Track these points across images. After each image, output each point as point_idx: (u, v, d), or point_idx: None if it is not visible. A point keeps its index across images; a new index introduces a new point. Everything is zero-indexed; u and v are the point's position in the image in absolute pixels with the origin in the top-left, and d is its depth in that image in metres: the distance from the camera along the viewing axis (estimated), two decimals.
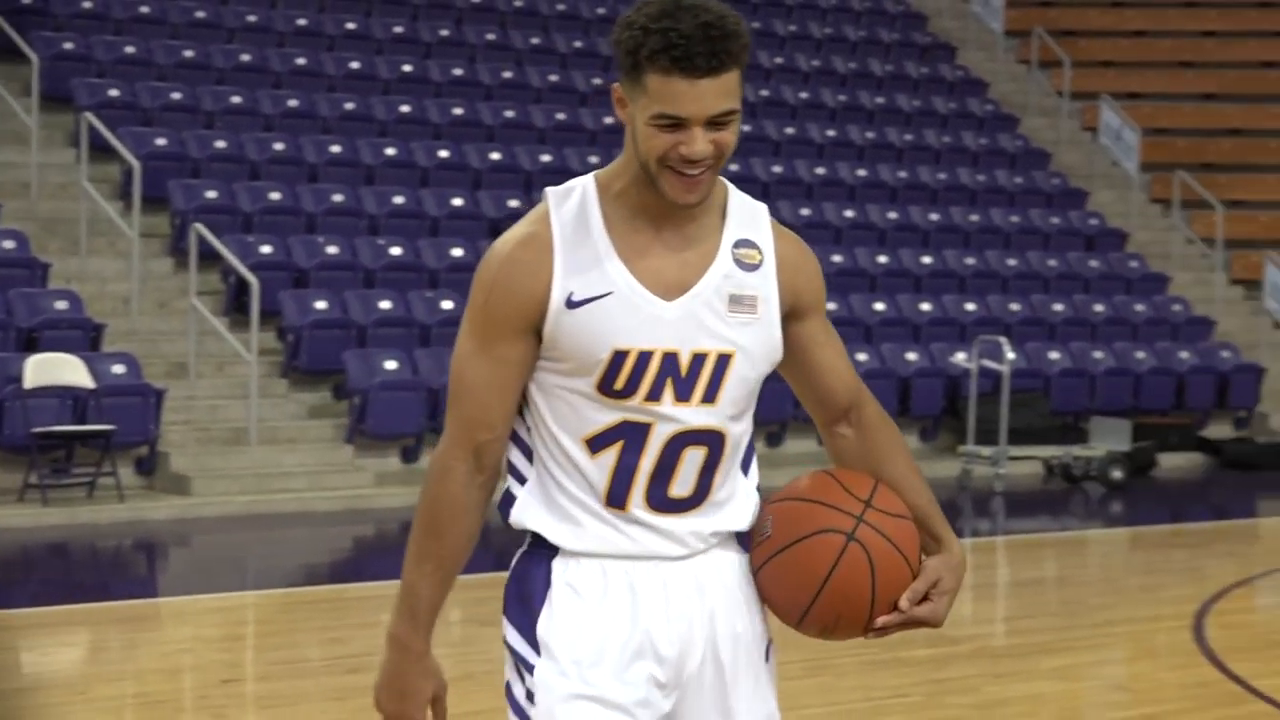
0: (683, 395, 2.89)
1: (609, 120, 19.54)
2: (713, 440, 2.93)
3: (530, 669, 2.95)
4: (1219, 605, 10.71)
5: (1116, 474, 16.93)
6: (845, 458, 3.16)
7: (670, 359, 2.88)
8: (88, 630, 9.93)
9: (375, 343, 15.69)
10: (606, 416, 2.90)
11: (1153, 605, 10.60)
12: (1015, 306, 19.29)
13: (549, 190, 2.99)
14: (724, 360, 2.91)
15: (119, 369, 14.19)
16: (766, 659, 3.07)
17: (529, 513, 3.00)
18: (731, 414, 2.95)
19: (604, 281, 2.90)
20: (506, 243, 2.95)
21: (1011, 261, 20.29)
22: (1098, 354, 18.93)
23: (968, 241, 20.35)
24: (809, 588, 2.92)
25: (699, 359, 2.89)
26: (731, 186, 3.09)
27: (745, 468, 3.08)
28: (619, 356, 2.86)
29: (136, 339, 15.15)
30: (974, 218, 20.84)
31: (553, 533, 2.95)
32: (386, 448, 15.35)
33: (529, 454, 3.02)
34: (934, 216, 20.55)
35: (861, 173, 20.91)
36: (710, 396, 2.91)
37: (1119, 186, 23.14)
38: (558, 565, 2.96)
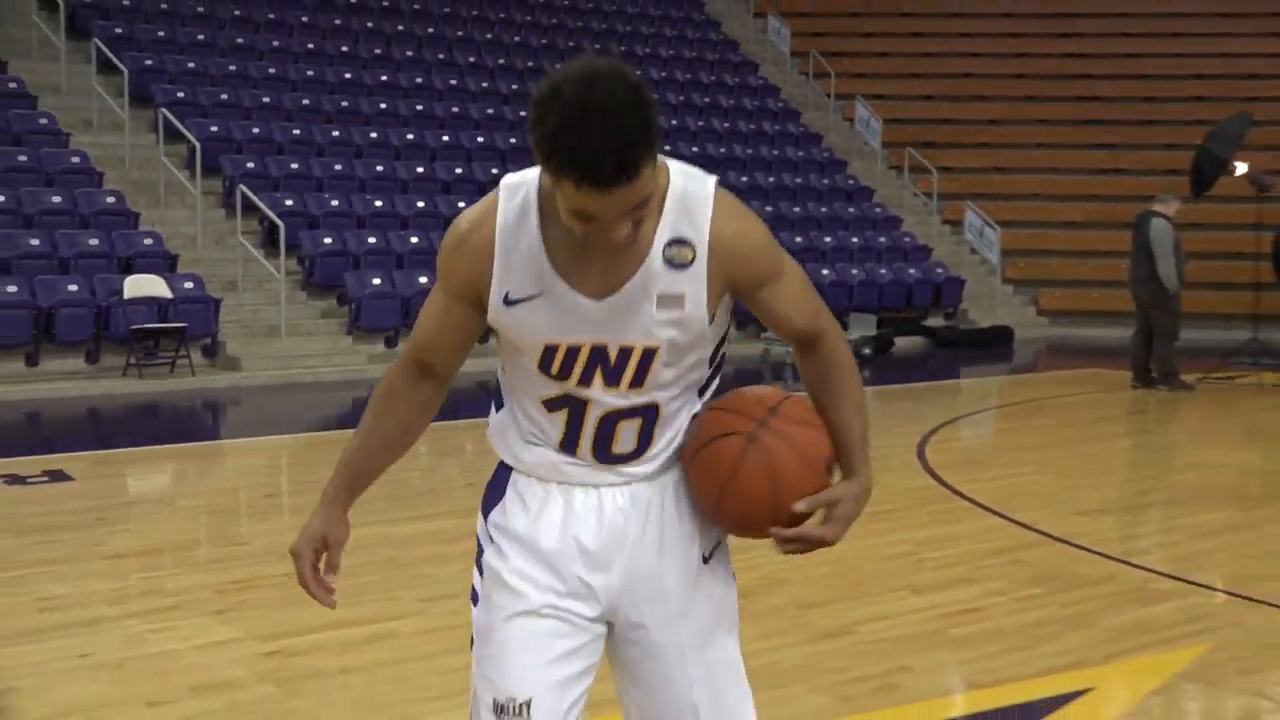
0: (611, 381, 2.48)
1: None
2: (647, 411, 2.53)
3: (481, 553, 2.64)
4: (934, 437, 10.87)
5: (866, 350, 17.13)
6: (806, 382, 2.71)
7: (598, 350, 2.46)
8: (172, 463, 9.88)
9: (366, 266, 15.68)
10: (552, 388, 2.51)
11: (889, 438, 10.73)
12: (799, 239, 19.40)
13: (503, 182, 2.52)
14: (650, 353, 2.46)
15: (189, 285, 14.11)
16: (707, 559, 2.64)
17: (496, 436, 2.67)
18: (663, 390, 2.52)
19: (536, 283, 2.46)
20: (460, 227, 2.53)
21: (796, 209, 20.42)
22: (854, 271, 19.11)
23: (767, 197, 20.42)
24: (715, 486, 2.50)
25: (625, 351, 2.45)
26: (675, 173, 2.49)
27: (700, 397, 2.63)
28: (550, 349, 2.46)
29: (200, 265, 15.05)
30: (771, 179, 20.90)
31: (510, 457, 2.63)
32: (375, 337, 15.35)
33: (505, 390, 2.65)
34: (744, 179, 20.59)
35: (695, 149, 20.97)
36: (638, 382, 2.48)
37: (868, 159, 23.27)
38: (514, 478, 2.62)
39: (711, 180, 2.50)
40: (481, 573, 2.63)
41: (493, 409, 2.69)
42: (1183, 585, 6.56)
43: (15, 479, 8.87)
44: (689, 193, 2.45)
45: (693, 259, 2.42)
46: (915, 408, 12.85)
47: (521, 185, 2.48)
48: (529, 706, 2.50)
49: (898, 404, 13.31)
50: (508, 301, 2.48)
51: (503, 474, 2.65)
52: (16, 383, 12.95)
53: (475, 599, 2.64)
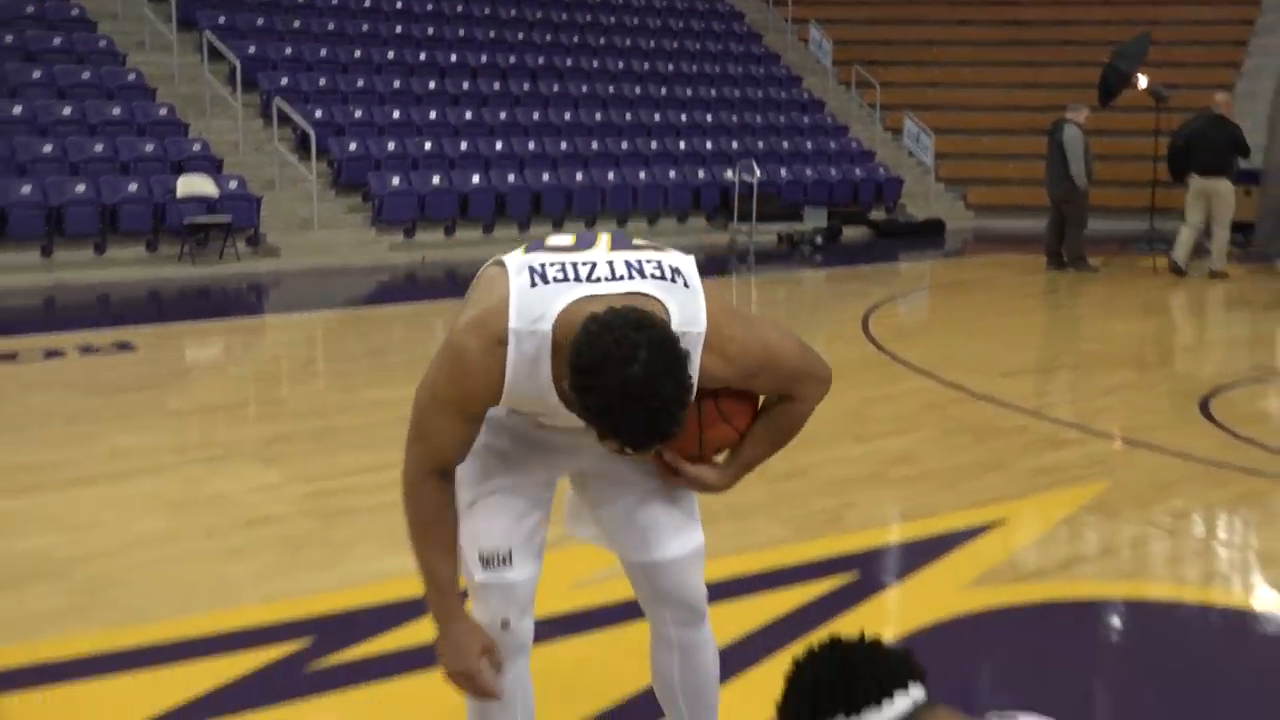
0: None
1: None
2: None
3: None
4: (876, 312, 10.88)
5: (818, 240, 17.08)
6: (764, 402, 2.50)
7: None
8: (222, 336, 9.86)
9: (386, 168, 15.48)
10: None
11: (838, 313, 10.76)
12: (761, 144, 19.22)
13: (512, 328, 2.21)
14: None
15: (233, 185, 13.94)
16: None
17: None
18: None
19: (543, 409, 2.33)
20: (469, 360, 2.25)
21: (759, 119, 20.20)
22: (808, 172, 18.93)
23: (733, 107, 20.19)
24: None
25: None
26: (675, 319, 2.25)
27: None
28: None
29: (243, 167, 14.84)
30: (737, 93, 20.63)
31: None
32: (394, 229, 15.20)
33: None
34: (713, 93, 20.35)
35: (670, 67, 20.71)
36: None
37: (820, 75, 22.93)
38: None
39: (702, 314, 2.28)
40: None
41: None
42: (1086, 434, 6.62)
43: (88, 349, 8.86)
44: (684, 339, 2.20)
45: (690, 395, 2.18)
46: (860, 287, 12.84)
47: (533, 337, 2.22)
48: (510, 555, 2.52)
49: (845, 284, 13.31)
50: (512, 412, 2.42)
51: None
52: (87, 269, 12.92)
53: None
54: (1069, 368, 8.67)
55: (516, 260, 2.32)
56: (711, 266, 2.99)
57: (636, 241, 2.42)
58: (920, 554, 4.80)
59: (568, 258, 2.30)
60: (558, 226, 16.25)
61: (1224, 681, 3.78)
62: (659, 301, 2.25)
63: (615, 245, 2.36)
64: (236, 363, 8.83)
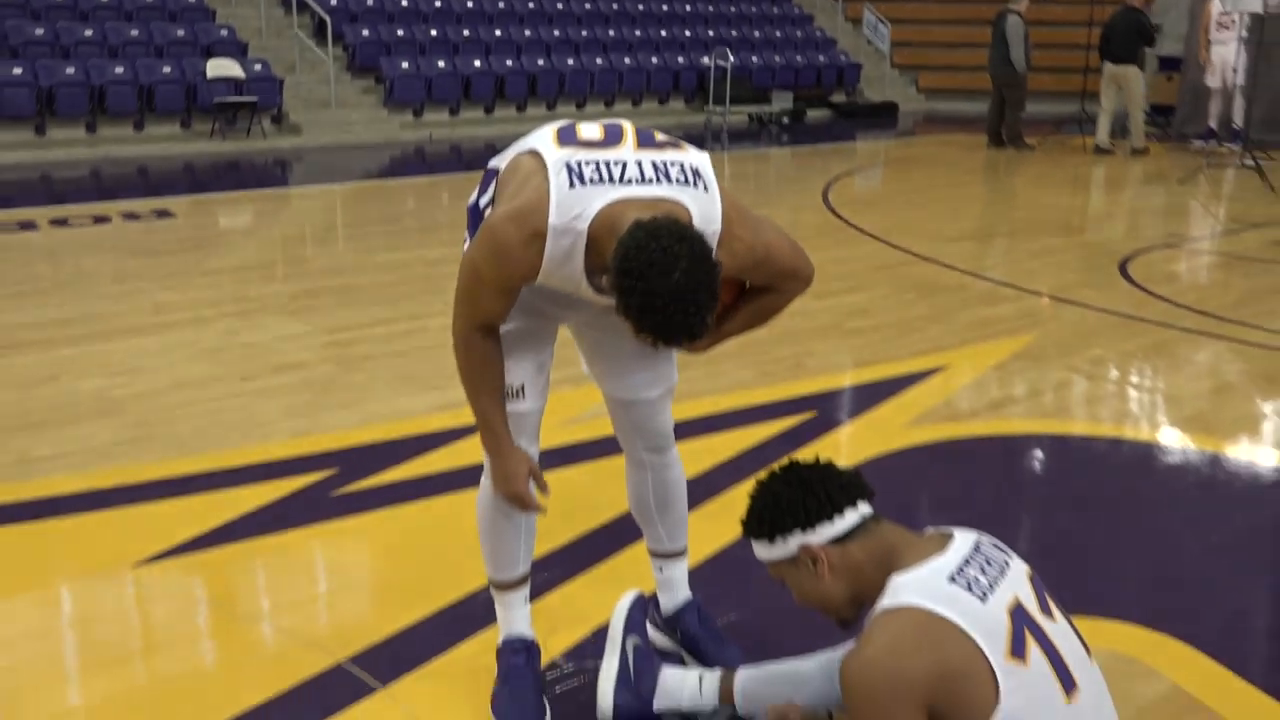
0: None
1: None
2: None
3: None
4: (835, 184, 10.82)
5: (784, 120, 16.88)
6: (752, 285, 2.47)
7: None
8: (252, 204, 9.75)
9: (396, 52, 15.16)
10: None
11: (802, 184, 10.68)
12: (734, 33, 18.87)
13: (551, 224, 2.18)
14: None
15: (258, 67, 13.66)
16: None
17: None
18: None
19: (574, 289, 2.30)
20: (509, 246, 2.21)
21: (732, 9, 19.77)
22: (776, 58, 18.58)
23: (710, 2, 19.80)
24: None
25: None
26: (695, 215, 2.23)
27: None
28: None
29: (266, 51, 14.53)
30: (717, 7, 20.21)
31: None
32: (404, 109, 14.94)
33: None
34: (699, 5, 19.95)
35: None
36: None
37: None
38: None
39: (718, 216, 2.26)
40: None
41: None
42: (1018, 292, 6.63)
43: (131, 216, 8.76)
44: (705, 229, 2.22)
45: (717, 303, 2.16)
46: (821, 163, 12.73)
47: (570, 233, 2.19)
48: (523, 389, 2.54)
49: (808, 160, 13.19)
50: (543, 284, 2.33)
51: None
52: (127, 144, 12.71)
53: None
54: (1004, 234, 8.65)
55: (554, 155, 2.24)
56: (690, 143, 2.97)
57: (659, 138, 2.35)
58: (870, 396, 4.84)
59: (600, 155, 2.23)
60: (550, 109, 16.01)
61: (1132, 504, 3.85)
62: (683, 206, 2.22)
63: (641, 144, 2.30)
64: (265, 228, 8.74)
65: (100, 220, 8.57)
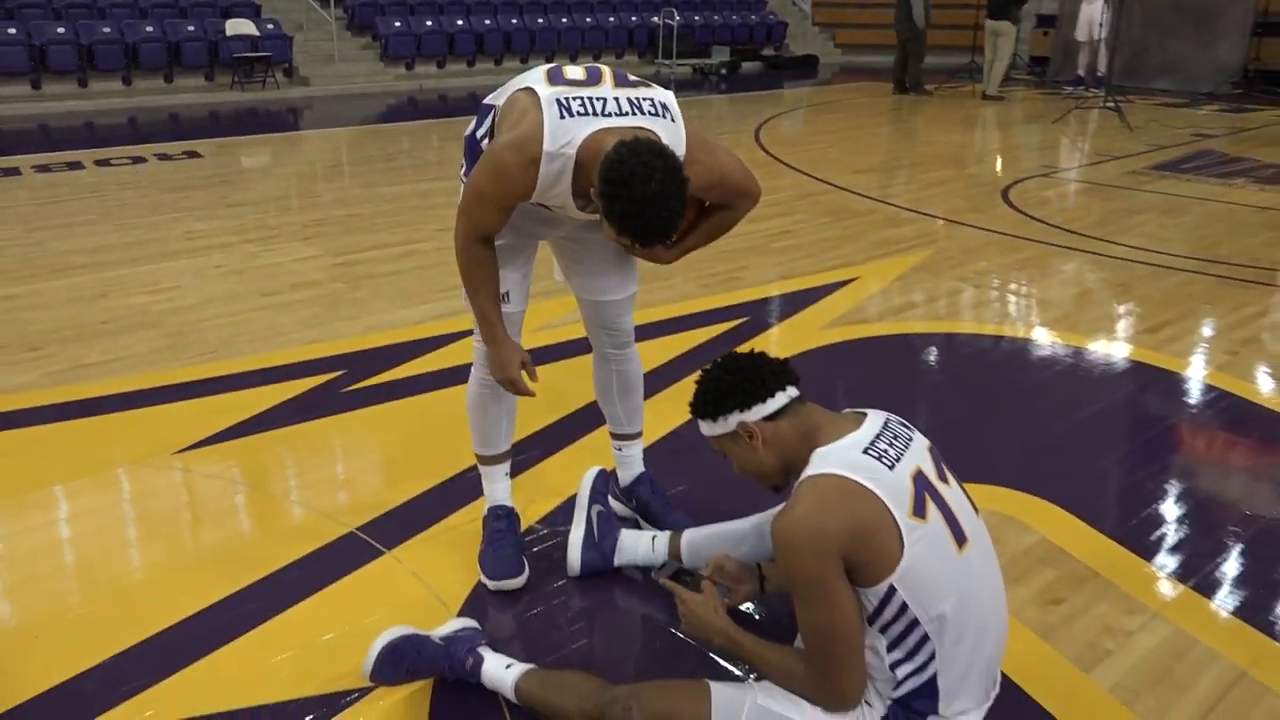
0: None
1: None
2: None
3: None
4: (765, 125, 10.68)
5: (723, 71, 16.58)
6: (711, 206, 2.45)
7: None
8: (268, 145, 9.48)
9: (390, 13, 14.67)
10: None
11: (738, 126, 10.52)
12: None
13: (545, 150, 2.15)
14: None
15: (270, 26, 13.21)
16: None
17: None
18: None
19: (560, 206, 2.28)
20: (507, 169, 2.18)
21: None
22: (715, 17, 18.17)
23: None
24: None
25: None
26: (678, 131, 2.24)
27: None
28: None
29: (277, 12, 14.04)
30: None
31: None
32: (398, 63, 14.50)
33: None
34: None
35: None
36: None
37: None
38: None
39: (682, 143, 2.24)
40: None
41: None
42: (917, 215, 6.60)
43: (164, 156, 8.51)
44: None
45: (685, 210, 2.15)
46: (754, 108, 12.55)
47: (560, 158, 2.16)
48: (509, 294, 2.51)
49: (742, 105, 12.99)
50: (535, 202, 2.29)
51: None
52: (158, 95, 12.31)
53: None
54: (906, 166, 8.59)
55: (545, 91, 2.21)
56: None
57: (631, 78, 2.32)
58: (794, 303, 4.83)
59: (584, 92, 2.21)
60: (523, 62, 15.62)
61: (1010, 390, 3.88)
62: (654, 134, 2.21)
63: (618, 83, 2.27)
64: (280, 166, 8.52)
65: (137, 160, 8.32)
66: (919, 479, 1.91)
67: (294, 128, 11.07)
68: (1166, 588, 2.68)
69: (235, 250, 5.59)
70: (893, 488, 1.86)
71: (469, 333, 2.56)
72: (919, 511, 1.86)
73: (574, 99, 2.19)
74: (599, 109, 2.19)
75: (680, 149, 2.24)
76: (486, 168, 2.22)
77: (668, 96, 2.30)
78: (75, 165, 8.07)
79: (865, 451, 1.91)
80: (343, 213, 6.51)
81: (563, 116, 2.17)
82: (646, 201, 2.04)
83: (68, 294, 4.82)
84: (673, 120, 2.26)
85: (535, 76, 2.29)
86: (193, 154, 8.65)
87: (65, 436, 3.42)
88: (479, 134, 2.42)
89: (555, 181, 2.20)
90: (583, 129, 2.17)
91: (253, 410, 3.59)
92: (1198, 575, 2.73)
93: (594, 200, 2.13)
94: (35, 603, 2.58)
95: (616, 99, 2.22)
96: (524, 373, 2.42)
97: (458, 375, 3.65)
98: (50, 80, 11.90)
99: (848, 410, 2.07)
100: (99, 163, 8.19)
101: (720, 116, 11.95)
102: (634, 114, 2.21)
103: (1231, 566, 2.78)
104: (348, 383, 3.83)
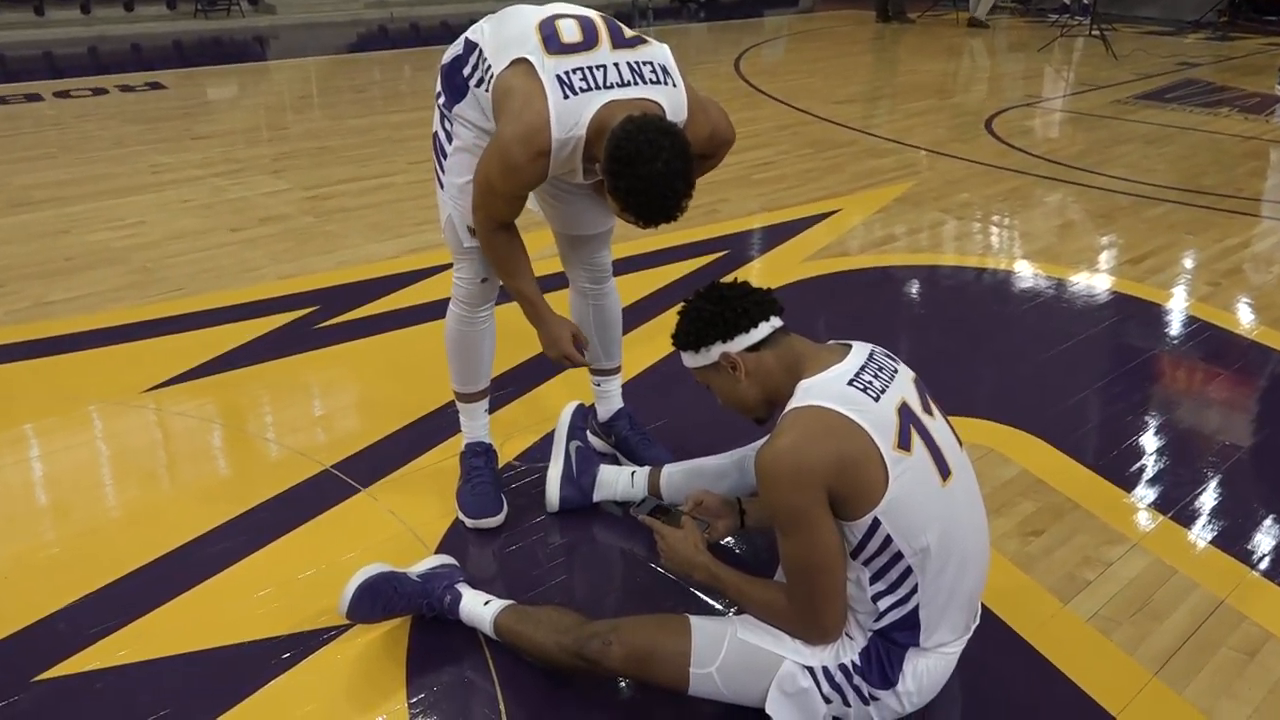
0: None
1: None
2: None
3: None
4: (745, 55, 10.53)
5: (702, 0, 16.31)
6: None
7: None
8: (235, 76, 9.26)
9: None
10: None
11: (716, 56, 10.37)
12: None
13: (554, 136, 2.13)
14: None
15: None
16: None
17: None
18: None
19: (564, 175, 2.28)
20: (518, 162, 2.15)
21: None
22: None
23: None
24: None
25: None
26: (666, 112, 2.19)
27: None
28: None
29: None
30: None
31: None
32: None
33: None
34: None
35: None
36: None
37: None
38: None
39: (684, 109, 2.23)
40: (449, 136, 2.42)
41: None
42: (900, 146, 6.55)
43: (126, 88, 8.31)
44: (675, 119, 2.19)
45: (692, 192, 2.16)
46: (734, 36, 12.35)
47: (569, 141, 2.15)
48: None
49: (722, 34, 12.79)
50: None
51: None
52: (118, 23, 11.97)
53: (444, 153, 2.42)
54: (888, 96, 8.50)
55: (545, 66, 2.15)
56: (620, 21, 2.84)
57: (627, 34, 2.26)
58: (774, 236, 4.79)
59: (584, 61, 2.16)
60: None
61: (992, 322, 3.87)
62: (658, 104, 2.19)
63: (615, 44, 2.21)
64: (248, 97, 8.33)
65: (99, 92, 8.11)
66: (904, 411, 1.89)
67: (261, 57, 10.82)
68: (1146, 518, 2.71)
69: (202, 184, 5.48)
70: (878, 420, 1.85)
71: (445, 267, 2.53)
72: (904, 444, 1.85)
73: (574, 72, 2.15)
74: (601, 81, 2.15)
75: (682, 115, 2.24)
76: (496, 163, 2.19)
77: (666, 57, 2.27)
78: (33, 97, 7.87)
79: (850, 383, 1.89)
80: (313, 145, 6.38)
81: (566, 96, 2.14)
82: (652, 180, 2.02)
83: (28, 230, 4.72)
84: (674, 85, 2.25)
85: (529, 40, 2.20)
86: (156, 85, 8.45)
87: (31, 375, 3.37)
88: (466, 73, 2.35)
89: (565, 161, 2.20)
90: (588, 107, 2.14)
91: (224, 347, 3.54)
92: (1177, 506, 2.76)
93: (600, 175, 2.14)
94: (4, 543, 2.55)
95: (617, 65, 2.18)
96: (576, 343, 2.41)
97: (434, 310, 3.60)
98: (4, 8, 11.56)
99: (832, 342, 2.05)
100: (58, 94, 7.99)
101: (699, 46, 11.76)
102: (636, 82, 2.18)
103: (1210, 497, 2.80)
104: (321, 319, 3.78)
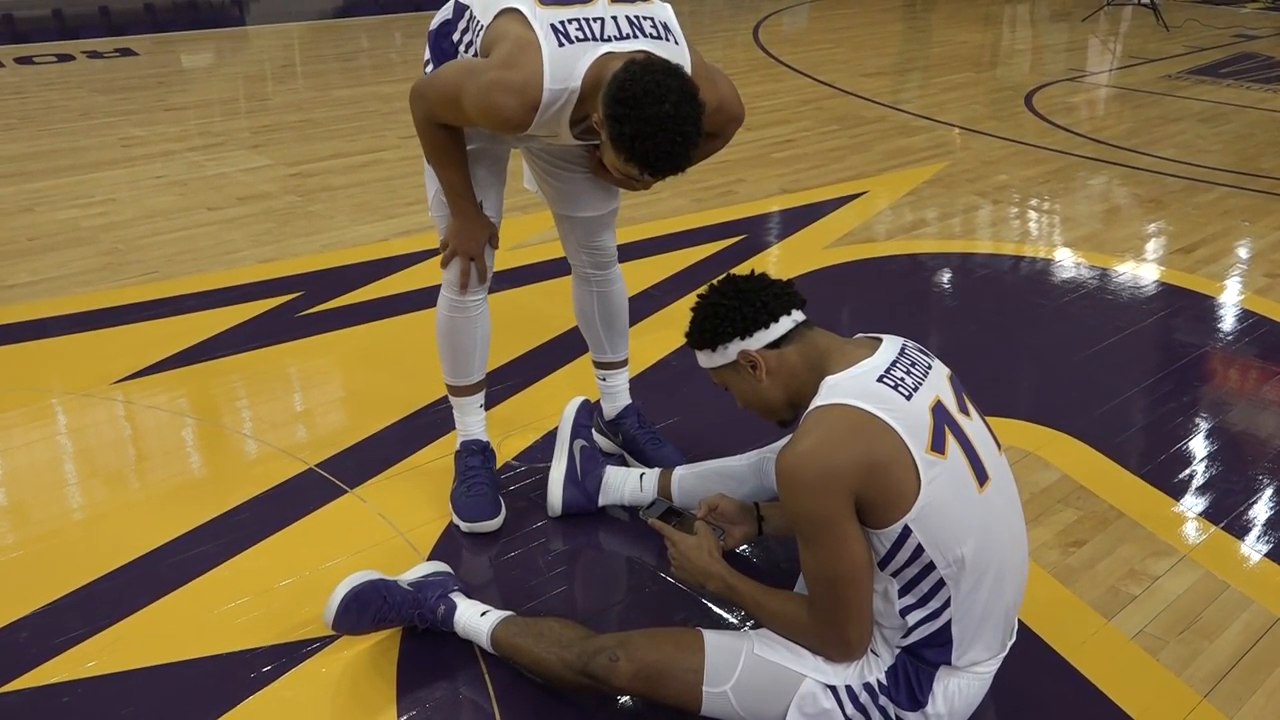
0: None
1: None
2: None
3: None
4: (765, 23, 10.51)
5: None
6: None
7: None
8: (212, 42, 9.27)
9: None
10: None
11: (734, 23, 10.35)
12: None
13: (547, 87, 2.10)
14: None
15: None
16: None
17: None
18: None
19: (550, 135, 2.25)
20: (508, 113, 2.13)
21: None
22: None
23: None
24: None
25: None
26: (683, 54, 2.20)
27: None
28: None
29: None
30: None
31: None
32: None
33: None
34: None
35: None
36: None
37: None
38: None
39: (687, 67, 2.19)
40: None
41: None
42: (932, 123, 6.54)
43: (95, 54, 8.33)
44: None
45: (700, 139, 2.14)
46: (753, 2, 12.32)
47: (563, 94, 2.12)
48: (481, 203, 2.46)
49: (740, 0, 12.76)
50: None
51: None
52: None
53: None
54: (919, 69, 8.49)
55: (539, 16, 2.14)
56: None
57: None
58: (796, 219, 4.79)
59: (579, 13, 2.15)
60: None
61: (1031, 315, 3.87)
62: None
63: None
64: (225, 66, 8.34)
65: (64, 59, 8.13)
66: (938, 410, 1.88)
67: (239, 23, 10.81)
68: (1195, 529, 2.70)
69: (177, 159, 5.49)
70: (910, 420, 1.84)
71: (437, 251, 2.52)
72: (937, 446, 1.84)
73: (570, 22, 2.14)
74: (598, 33, 2.14)
75: None
76: (479, 98, 2.14)
77: (668, 14, 2.26)
78: None
79: (880, 380, 1.88)
80: (296, 118, 6.39)
81: (561, 44, 2.12)
82: (660, 123, 1.99)
83: None
84: (675, 43, 2.23)
85: None
86: (126, 51, 8.46)
87: None
88: (455, 37, 2.37)
89: (555, 116, 2.16)
90: (583, 58, 2.12)
91: (200, 336, 3.55)
92: (1229, 516, 2.75)
93: (597, 128, 2.09)
94: None
95: (615, 18, 2.17)
96: (488, 248, 2.43)
97: (426, 297, 3.61)
98: None
99: (860, 336, 2.04)
100: (20, 60, 8.01)
101: (714, 12, 11.73)
102: (635, 37, 2.17)
103: (1265, 506, 2.80)
104: (304, 306, 3.79)
